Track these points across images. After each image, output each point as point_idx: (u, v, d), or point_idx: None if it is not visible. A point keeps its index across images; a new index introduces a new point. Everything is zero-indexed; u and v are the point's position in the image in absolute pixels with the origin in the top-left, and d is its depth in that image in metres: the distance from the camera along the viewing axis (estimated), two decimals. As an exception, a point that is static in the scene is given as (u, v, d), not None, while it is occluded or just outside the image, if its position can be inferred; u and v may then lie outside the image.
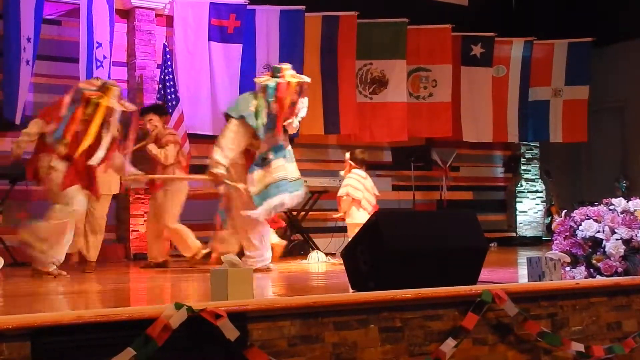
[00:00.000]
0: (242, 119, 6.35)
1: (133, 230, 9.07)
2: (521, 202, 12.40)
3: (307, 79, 6.61)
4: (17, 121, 8.34)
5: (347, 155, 8.18)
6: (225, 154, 6.31)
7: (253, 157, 6.49)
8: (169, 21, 9.63)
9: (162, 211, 7.47)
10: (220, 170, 6.28)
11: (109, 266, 7.83)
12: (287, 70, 6.53)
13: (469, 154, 11.89)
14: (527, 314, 4.04)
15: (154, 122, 7.63)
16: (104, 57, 8.68)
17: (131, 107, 6.74)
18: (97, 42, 8.60)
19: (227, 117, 6.49)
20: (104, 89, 6.23)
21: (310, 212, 9.89)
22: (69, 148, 6.08)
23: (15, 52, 8.16)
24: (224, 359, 3.29)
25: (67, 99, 6.20)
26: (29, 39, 8.21)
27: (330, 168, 10.24)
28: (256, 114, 6.35)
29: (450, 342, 3.81)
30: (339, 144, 10.58)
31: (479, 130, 11.42)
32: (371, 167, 11.16)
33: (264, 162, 6.43)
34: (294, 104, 6.41)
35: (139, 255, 8.90)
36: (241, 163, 6.50)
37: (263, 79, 6.59)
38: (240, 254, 6.49)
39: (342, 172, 8.17)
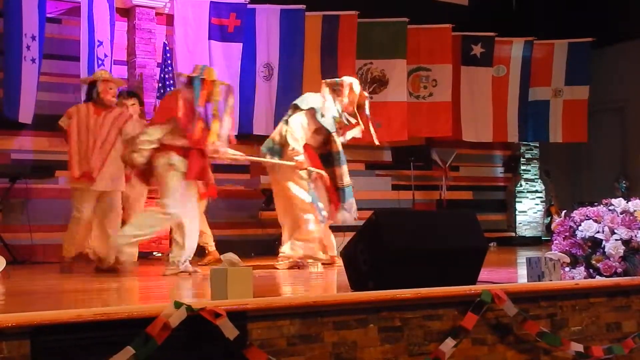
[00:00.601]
0: (311, 110, 6.64)
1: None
2: (521, 202, 12.40)
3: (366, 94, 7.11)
4: (29, 121, 8.34)
5: None
6: (300, 142, 6.59)
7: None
8: (169, 20, 9.63)
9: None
10: (302, 158, 6.55)
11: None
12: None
13: (469, 154, 11.89)
14: (526, 314, 4.04)
15: (136, 107, 7.68)
16: (105, 56, 8.68)
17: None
18: (98, 41, 8.60)
19: (295, 108, 6.74)
20: (205, 71, 6.17)
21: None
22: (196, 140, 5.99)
23: (16, 50, 8.15)
24: (224, 358, 3.29)
25: (185, 93, 6.06)
26: (33, 37, 8.20)
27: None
28: (327, 110, 6.69)
29: (449, 342, 3.81)
30: (339, 143, 10.57)
31: (478, 130, 11.42)
32: (371, 166, 11.25)
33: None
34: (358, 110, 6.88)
35: (139, 253, 8.87)
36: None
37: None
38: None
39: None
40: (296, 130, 6.59)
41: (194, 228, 6.19)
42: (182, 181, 5.99)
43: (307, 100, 6.76)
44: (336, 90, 6.82)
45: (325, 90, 6.86)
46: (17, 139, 8.73)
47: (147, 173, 6.23)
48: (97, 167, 6.56)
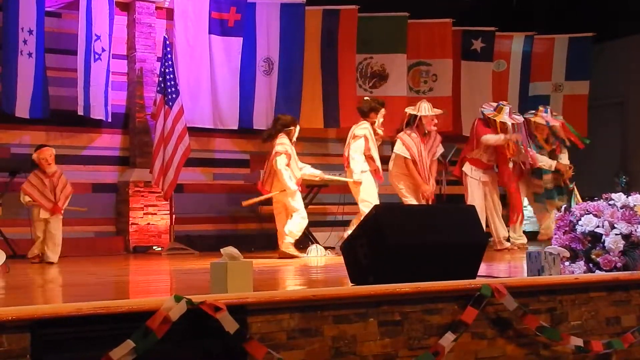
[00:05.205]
0: None
1: (132, 223, 9.06)
2: (521, 196, 12.36)
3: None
4: (26, 115, 8.31)
5: None
6: None
7: None
8: (169, 14, 9.61)
9: None
10: None
11: (109, 259, 7.84)
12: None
13: (469, 149, 11.85)
14: (526, 309, 4.04)
15: None
16: (103, 50, 8.67)
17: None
18: (96, 35, 8.59)
19: None
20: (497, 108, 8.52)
21: (309, 206, 9.89)
22: None
23: (13, 45, 8.14)
24: (223, 351, 3.29)
25: None
26: (30, 32, 8.19)
27: (329, 162, 10.22)
28: None
29: (449, 336, 3.81)
30: (338, 138, 10.55)
31: (479, 125, 11.40)
32: (371, 161, 11.21)
33: None
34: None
35: (138, 247, 8.91)
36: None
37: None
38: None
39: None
40: None
41: None
42: None
43: None
44: None
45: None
46: (17, 133, 8.72)
47: None
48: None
